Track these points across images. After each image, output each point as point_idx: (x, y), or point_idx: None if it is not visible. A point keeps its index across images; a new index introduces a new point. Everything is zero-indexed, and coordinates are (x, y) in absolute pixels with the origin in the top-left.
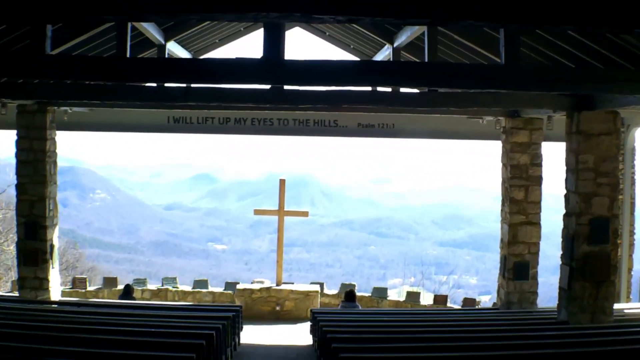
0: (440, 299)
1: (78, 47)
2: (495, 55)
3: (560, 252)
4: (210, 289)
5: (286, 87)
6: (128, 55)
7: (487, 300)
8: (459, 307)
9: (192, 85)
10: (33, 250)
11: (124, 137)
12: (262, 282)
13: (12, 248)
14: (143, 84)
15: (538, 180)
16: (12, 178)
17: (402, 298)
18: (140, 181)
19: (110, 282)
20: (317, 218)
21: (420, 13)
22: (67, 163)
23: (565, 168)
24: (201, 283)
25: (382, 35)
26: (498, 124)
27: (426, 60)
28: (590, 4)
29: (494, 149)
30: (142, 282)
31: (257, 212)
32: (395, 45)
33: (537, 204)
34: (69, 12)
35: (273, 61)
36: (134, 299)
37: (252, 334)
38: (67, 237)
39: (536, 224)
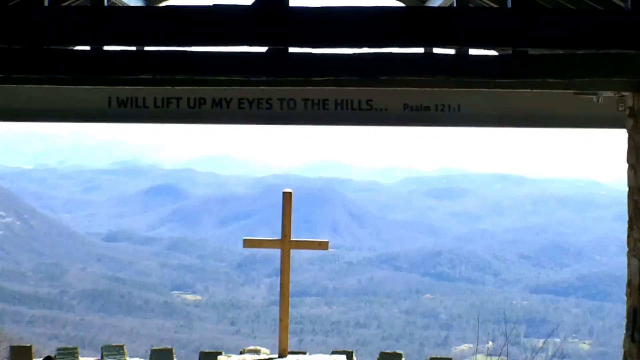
0: None
1: None
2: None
3: None
4: None
5: (292, 49)
6: (47, 2)
7: None
8: None
9: (147, 48)
10: None
11: (38, 128)
12: (257, 352)
13: None
14: (68, 47)
15: None
16: None
17: None
18: (67, 197)
19: (21, 353)
20: (343, 252)
21: None
22: None
23: None
24: (163, 354)
25: None
26: (622, 103)
27: (509, 5)
28: None
29: (615, 140)
30: (70, 353)
31: (249, 243)
32: None
33: None
34: None
35: (271, 10)
36: None
37: None
38: None
39: None
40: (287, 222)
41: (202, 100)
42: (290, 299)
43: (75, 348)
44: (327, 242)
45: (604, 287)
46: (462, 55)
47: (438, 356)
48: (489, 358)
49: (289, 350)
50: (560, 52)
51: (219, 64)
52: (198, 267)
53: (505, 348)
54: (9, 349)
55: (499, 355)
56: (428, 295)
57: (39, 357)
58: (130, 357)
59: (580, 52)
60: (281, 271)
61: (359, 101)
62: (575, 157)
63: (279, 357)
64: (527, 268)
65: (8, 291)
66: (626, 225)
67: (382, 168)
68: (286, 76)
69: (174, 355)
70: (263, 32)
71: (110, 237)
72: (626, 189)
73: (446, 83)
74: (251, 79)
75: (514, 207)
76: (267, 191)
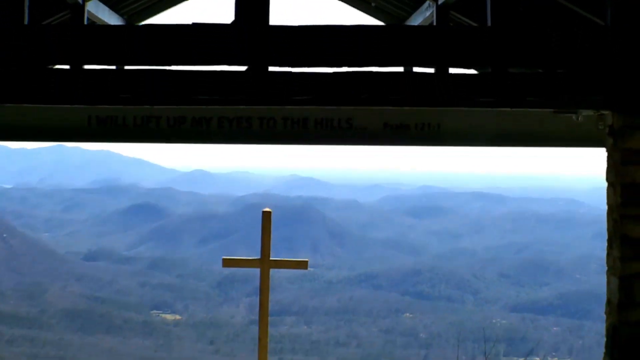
0: None
1: None
2: (594, 15)
3: None
4: None
5: (271, 68)
6: (26, 20)
7: None
8: None
9: (126, 67)
10: None
11: (18, 146)
12: None
13: None
14: (47, 66)
15: None
16: None
17: None
18: (47, 215)
19: None
20: (323, 271)
21: None
22: None
23: None
24: None
25: None
26: (601, 122)
27: (489, 23)
28: None
29: (594, 159)
30: None
31: (228, 262)
32: (440, 1)
33: None
34: None
35: (251, 29)
36: None
37: None
38: None
39: None
40: (266, 242)
41: (182, 119)
42: (269, 318)
43: None
44: (306, 262)
45: (584, 306)
46: (442, 73)
47: None
48: None
49: None
50: (540, 70)
51: (198, 83)
52: (178, 286)
53: None
54: None
55: None
56: (408, 314)
57: None
58: None
59: (560, 70)
60: (260, 290)
61: (339, 120)
62: (555, 175)
63: None
64: (506, 286)
65: None
66: (605, 244)
67: (362, 186)
68: (266, 95)
69: None
70: (242, 51)
71: (90, 256)
72: (605, 207)
73: (426, 102)
74: (230, 98)
75: (494, 225)
76: (246, 210)
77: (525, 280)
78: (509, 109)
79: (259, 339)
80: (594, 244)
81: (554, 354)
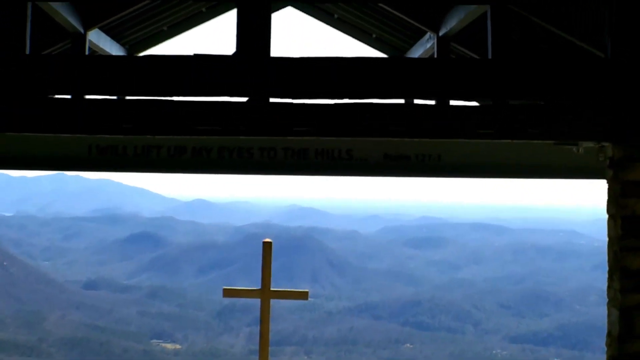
0: None
1: None
2: (594, 48)
3: None
4: None
5: (272, 99)
6: (28, 50)
7: None
8: None
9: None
10: None
11: (19, 174)
12: None
13: None
14: (49, 96)
15: None
16: None
17: None
18: (47, 244)
19: None
20: (323, 301)
21: None
22: None
23: None
24: None
25: (420, 19)
26: (602, 154)
27: (490, 55)
28: None
29: (595, 190)
30: None
31: (229, 292)
32: (441, 33)
33: None
34: None
35: (252, 60)
36: None
37: None
38: None
39: None
40: (266, 272)
41: (183, 149)
42: (269, 348)
43: None
44: (307, 292)
45: (584, 337)
46: (442, 105)
47: None
48: None
49: None
50: (540, 102)
51: (199, 114)
52: (177, 315)
53: None
54: None
55: None
56: (408, 344)
57: None
58: None
59: (560, 102)
60: (261, 321)
61: (339, 151)
62: (555, 206)
63: None
64: (506, 317)
65: None
66: (606, 275)
67: (362, 217)
68: (266, 126)
69: None
70: (244, 82)
71: (90, 285)
72: (605, 239)
73: (426, 133)
74: (231, 128)
75: (494, 256)
76: (247, 240)
77: (525, 311)
78: (509, 141)
79: None
80: (594, 275)
81: None
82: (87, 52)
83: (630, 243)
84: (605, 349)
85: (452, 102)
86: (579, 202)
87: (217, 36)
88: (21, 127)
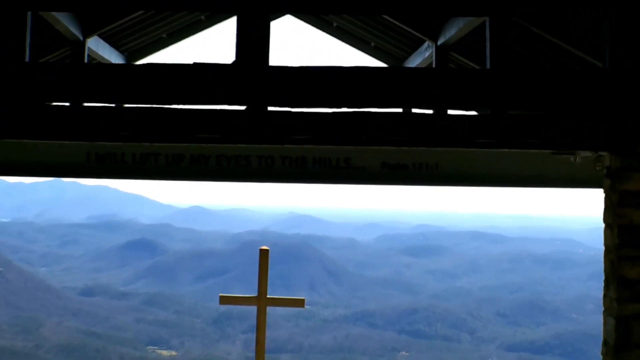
0: None
1: None
2: (593, 57)
3: None
4: None
5: (271, 108)
6: (27, 57)
7: None
8: None
9: (126, 105)
10: None
11: (16, 181)
12: None
13: None
14: (47, 103)
15: None
16: None
17: None
18: (44, 250)
19: None
20: (319, 309)
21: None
22: None
23: None
24: None
25: (419, 28)
26: (599, 163)
27: (488, 65)
28: None
29: (592, 199)
30: None
31: (225, 299)
32: (440, 42)
33: None
34: None
35: (251, 69)
36: None
37: None
38: None
39: None
40: (263, 280)
41: (181, 157)
42: (266, 355)
43: None
44: (303, 300)
45: (580, 346)
46: (439, 115)
47: None
48: None
49: None
50: (539, 112)
51: (197, 122)
52: (174, 322)
53: None
54: None
55: None
56: (404, 352)
57: None
58: None
59: (558, 112)
60: (257, 328)
61: (337, 159)
62: (553, 215)
63: None
64: (503, 326)
65: None
66: (602, 284)
67: (359, 225)
68: (264, 134)
69: None
70: (243, 90)
71: (87, 292)
72: (602, 247)
73: (424, 142)
74: (229, 136)
75: (491, 265)
76: (243, 247)
77: (521, 320)
78: (507, 150)
79: None
80: (591, 284)
81: None
82: (86, 59)
83: (627, 252)
84: (602, 358)
85: (451, 112)
86: (576, 211)
87: (216, 43)
88: (20, 133)
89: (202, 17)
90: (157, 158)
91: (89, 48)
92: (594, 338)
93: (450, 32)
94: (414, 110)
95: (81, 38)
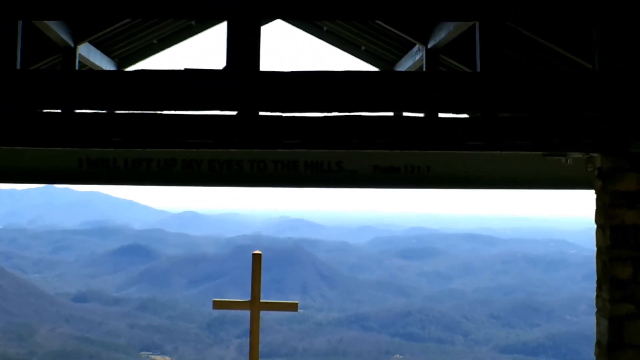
0: None
1: None
2: (582, 59)
3: None
4: None
5: (262, 112)
6: (18, 65)
7: None
8: None
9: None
10: None
11: (9, 187)
12: None
13: None
14: (39, 110)
15: None
16: None
17: None
18: (37, 256)
19: None
20: (313, 312)
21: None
22: None
23: None
24: None
25: (409, 32)
26: (590, 164)
27: (478, 67)
28: None
29: (585, 200)
30: None
31: (218, 304)
32: (430, 45)
33: None
34: None
35: (242, 75)
36: None
37: None
38: None
39: None
40: (256, 284)
41: (173, 162)
42: (259, 359)
43: None
44: (296, 304)
45: (574, 347)
46: (431, 118)
47: None
48: None
49: None
50: (529, 114)
51: (189, 127)
52: (167, 327)
53: None
54: None
55: None
56: (398, 355)
57: None
58: None
59: (549, 114)
60: (250, 332)
61: (329, 163)
62: (546, 217)
63: None
64: (497, 328)
65: None
66: (595, 285)
67: (352, 228)
68: (256, 139)
69: None
70: (234, 95)
71: (80, 298)
72: (595, 248)
73: (416, 145)
74: (221, 141)
75: (484, 266)
76: (237, 251)
77: (515, 321)
78: (498, 152)
79: None
80: (585, 285)
81: None
82: (77, 66)
83: (619, 253)
84: (595, 358)
85: (442, 115)
86: (569, 212)
87: (207, 48)
88: (12, 140)
89: (193, 23)
90: (149, 163)
91: (80, 55)
92: (588, 339)
93: (440, 36)
94: (405, 114)
95: (72, 45)
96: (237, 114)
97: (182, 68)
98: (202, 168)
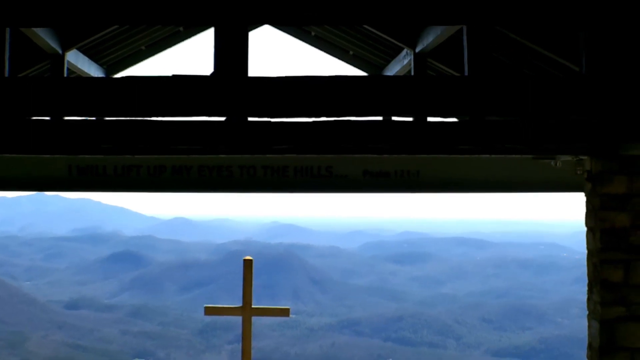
0: None
1: None
2: (571, 62)
3: None
4: None
5: (251, 118)
6: (7, 72)
7: None
8: None
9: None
10: None
11: None
12: None
13: None
14: (27, 117)
15: None
16: None
17: None
18: (29, 264)
19: None
20: (305, 318)
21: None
22: None
23: None
24: None
25: (397, 36)
26: (580, 167)
27: (466, 71)
28: None
29: (576, 203)
30: None
31: (210, 310)
32: (418, 49)
33: None
34: None
35: (230, 80)
36: None
37: None
38: None
39: None
40: (248, 290)
41: (162, 168)
42: None
43: None
44: (288, 309)
45: (566, 350)
46: (420, 122)
47: None
48: None
49: None
50: (518, 117)
51: (178, 133)
52: (159, 334)
53: None
54: None
55: None
56: None
57: None
58: None
59: (537, 117)
60: (243, 338)
61: (319, 168)
62: (536, 220)
63: None
64: (488, 331)
65: None
66: (586, 288)
67: (343, 233)
68: (245, 144)
69: None
70: (222, 101)
71: (72, 305)
72: (585, 251)
73: (405, 150)
74: (210, 147)
75: (476, 270)
76: (228, 257)
77: (507, 325)
78: (488, 156)
79: None
80: (576, 288)
81: None
82: (65, 73)
83: (610, 256)
84: None
85: (430, 119)
86: (560, 215)
87: (195, 55)
88: (1, 148)
89: (181, 29)
90: (138, 170)
91: (68, 61)
92: (580, 342)
93: (428, 40)
94: (394, 118)
95: (60, 51)
96: (225, 120)
97: (171, 74)
98: (191, 174)
